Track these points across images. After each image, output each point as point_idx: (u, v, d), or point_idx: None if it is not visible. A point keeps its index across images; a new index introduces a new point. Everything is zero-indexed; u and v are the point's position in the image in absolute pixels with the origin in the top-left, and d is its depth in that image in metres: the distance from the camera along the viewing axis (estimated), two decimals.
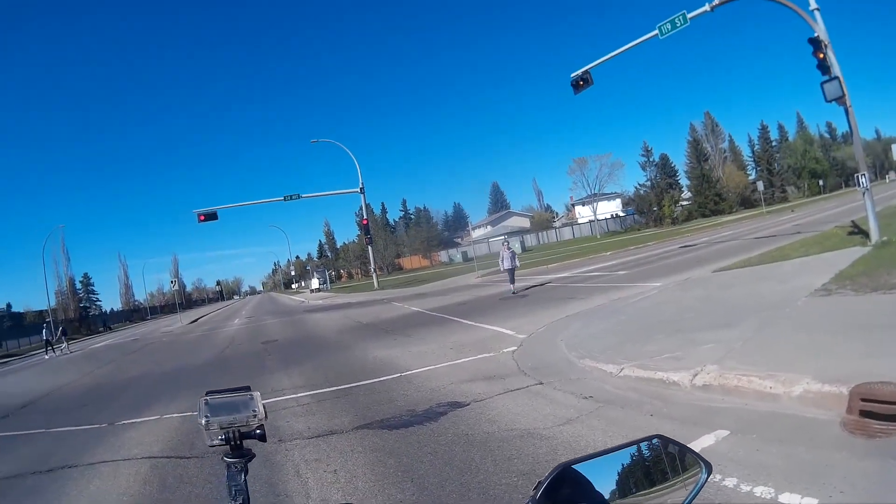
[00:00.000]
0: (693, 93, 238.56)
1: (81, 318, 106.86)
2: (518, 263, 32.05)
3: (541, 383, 11.00)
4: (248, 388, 2.11)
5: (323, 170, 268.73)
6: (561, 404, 9.40)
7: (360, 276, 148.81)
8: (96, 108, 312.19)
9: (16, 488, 10.06)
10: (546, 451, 7.35)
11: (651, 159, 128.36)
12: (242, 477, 2.04)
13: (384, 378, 14.02)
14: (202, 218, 62.45)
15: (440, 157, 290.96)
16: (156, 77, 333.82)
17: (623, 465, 1.76)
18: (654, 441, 1.84)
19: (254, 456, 2.08)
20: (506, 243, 32.90)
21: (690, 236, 58.29)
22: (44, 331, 53.28)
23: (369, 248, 73.20)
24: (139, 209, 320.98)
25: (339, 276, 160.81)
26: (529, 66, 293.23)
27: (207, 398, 2.08)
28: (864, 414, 6.40)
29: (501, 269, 32.05)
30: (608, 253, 53.70)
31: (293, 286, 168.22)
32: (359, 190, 67.57)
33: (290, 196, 65.42)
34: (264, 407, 2.09)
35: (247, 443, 2.11)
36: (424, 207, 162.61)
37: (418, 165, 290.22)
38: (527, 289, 31.21)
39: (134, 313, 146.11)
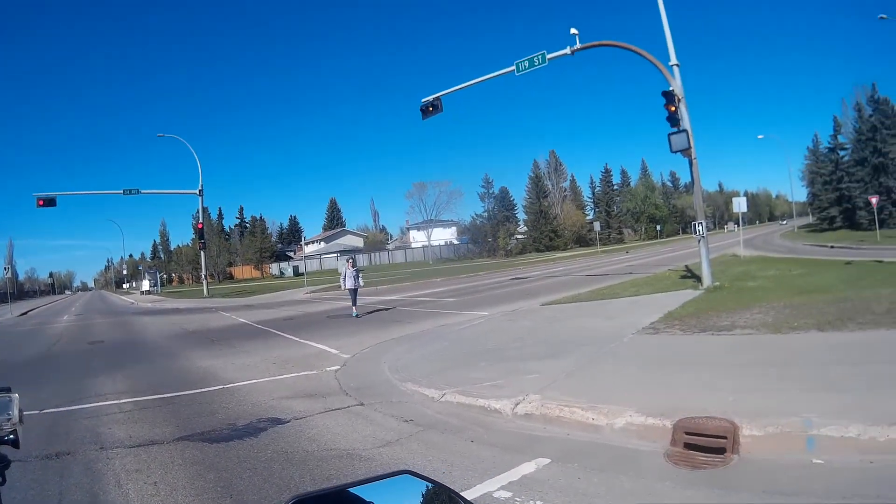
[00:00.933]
0: (540, 130, 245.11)
1: None
2: (362, 283, 29.19)
3: (362, 404, 10.98)
4: (8, 389, 1.99)
5: (164, 169, 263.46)
6: (381, 426, 9.41)
7: (191, 281, 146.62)
8: None
9: None
10: (365, 471, 7.15)
11: (491, 191, 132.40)
12: None
13: (207, 389, 13.78)
14: (41, 202, 59.09)
15: (281, 168, 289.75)
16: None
17: (368, 501, 1.70)
18: (403, 476, 1.84)
19: (9, 463, 1.94)
20: (350, 260, 30.40)
21: (522, 269, 59.99)
22: None
23: (202, 253, 71.61)
24: None
25: (170, 280, 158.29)
26: (376, 86, 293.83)
27: None
28: (689, 447, 6.57)
29: (343, 287, 28.86)
30: (439, 279, 54.85)
31: (124, 286, 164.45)
32: (198, 192, 66.29)
33: (130, 190, 63.22)
34: (21, 411, 1.96)
35: (3, 449, 1.95)
36: (261, 217, 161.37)
37: (258, 174, 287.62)
38: (370, 312, 28.92)
39: None
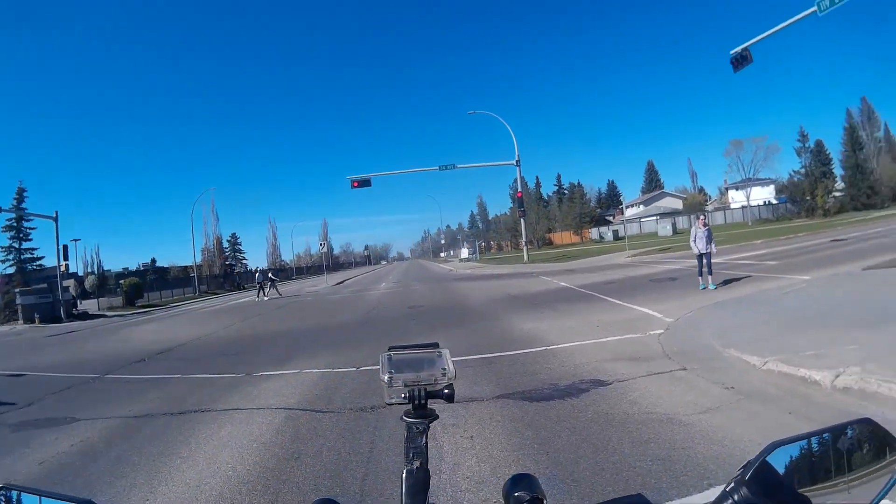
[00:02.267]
0: (850, 76, 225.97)
1: (226, 275, 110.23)
2: (715, 248, 23.19)
3: (684, 369, 10.97)
4: (436, 345, 1.99)
5: (477, 142, 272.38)
6: (702, 392, 9.36)
7: (509, 248, 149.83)
8: (251, 74, 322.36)
9: (145, 427, 10.68)
10: (683, 437, 7.32)
11: (806, 145, 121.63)
12: (424, 439, 1.82)
13: (528, 350, 14.14)
14: (355, 184, 64.43)
15: (595, 133, 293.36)
16: (312, 44, 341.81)
17: (828, 447, 1.66)
18: (862, 425, 1.68)
19: (437, 417, 1.88)
20: (702, 216, 25.37)
21: (842, 230, 55.67)
22: (257, 275, 56.95)
23: (522, 220, 72.04)
24: (291, 174, 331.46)
25: (489, 248, 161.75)
26: (685, 42, 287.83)
27: (391, 353, 1.96)
28: None
29: (695, 251, 23.13)
30: (759, 241, 51.97)
31: (441, 254, 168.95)
32: (514, 162, 67.02)
33: (446, 166, 66.44)
34: (454, 365, 1.91)
35: (433, 404, 1.91)
36: (578, 183, 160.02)
37: (573, 141, 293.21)
38: (725, 281, 23.97)
39: (280, 272, 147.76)
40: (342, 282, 72.99)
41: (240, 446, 8.82)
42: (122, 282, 77.63)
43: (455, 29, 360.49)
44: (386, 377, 1.88)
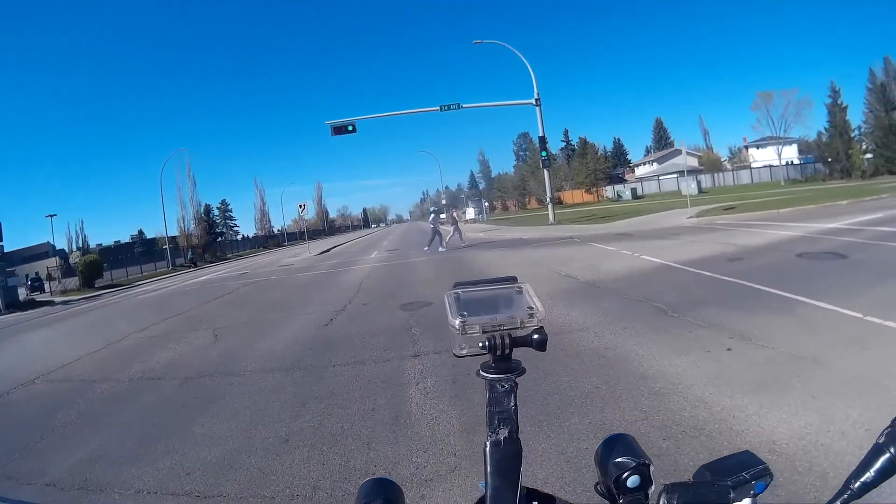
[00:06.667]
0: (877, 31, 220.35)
1: (206, 246, 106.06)
2: None
3: None
4: (513, 279, 1.50)
5: (483, 86, 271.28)
6: None
7: (515, 208, 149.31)
8: (219, 19, 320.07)
9: None
10: None
11: (839, 101, 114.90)
12: (512, 400, 1.34)
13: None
14: (335, 130, 57.54)
15: (600, 88, 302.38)
16: None
17: None
18: None
19: (524, 371, 1.34)
20: None
21: None
22: (431, 216, 49.45)
23: (546, 171, 62.10)
24: (282, 137, 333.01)
25: (492, 208, 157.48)
26: None
27: (458, 291, 1.47)
28: None
29: None
30: (844, 202, 41.96)
31: (442, 216, 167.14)
32: (533, 101, 57.15)
33: (448, 106, 57.35)
34: (540, 302, 1.38)
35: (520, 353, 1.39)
36: (586, 140, 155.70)
37: (576, 96, 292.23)
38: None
39: (269, 239, 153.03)
40: (328, 250, 64.86)
41: None
42: (75, 262, 72.89)
43: None
44: (458, 322, 1.41)
